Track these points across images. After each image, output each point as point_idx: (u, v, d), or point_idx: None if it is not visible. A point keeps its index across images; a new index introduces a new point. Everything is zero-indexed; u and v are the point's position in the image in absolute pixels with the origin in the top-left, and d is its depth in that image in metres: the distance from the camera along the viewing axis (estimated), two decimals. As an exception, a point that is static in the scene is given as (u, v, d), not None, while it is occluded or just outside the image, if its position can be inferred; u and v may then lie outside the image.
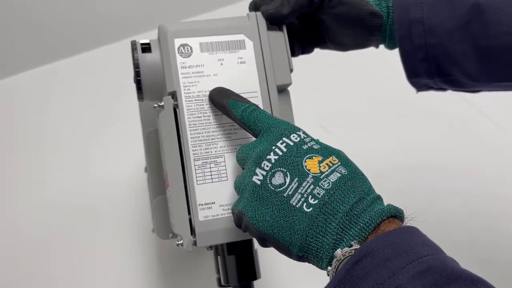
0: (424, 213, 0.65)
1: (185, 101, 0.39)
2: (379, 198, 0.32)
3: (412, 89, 0.46)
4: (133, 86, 0.43)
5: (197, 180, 0.38)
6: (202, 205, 0.38)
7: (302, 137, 0.33)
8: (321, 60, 0.57)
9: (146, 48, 0.40)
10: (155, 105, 0.46)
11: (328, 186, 0.30)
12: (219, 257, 0.41)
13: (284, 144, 0.33)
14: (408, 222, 0.32)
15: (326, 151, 0.32)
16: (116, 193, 0.80)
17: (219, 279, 0.43)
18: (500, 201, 0.65)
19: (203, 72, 0.39)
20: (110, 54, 0.96)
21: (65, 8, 0.95)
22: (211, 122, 0.39)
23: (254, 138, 0.36)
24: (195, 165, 0.38)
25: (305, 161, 0.32)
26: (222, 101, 0.37)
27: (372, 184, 0.33)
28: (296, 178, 0.31)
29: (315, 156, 0.32)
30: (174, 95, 0.39)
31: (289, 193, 0.31)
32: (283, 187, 0.31)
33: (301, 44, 0.46)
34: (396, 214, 0.31)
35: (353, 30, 0.42)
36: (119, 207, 0.78)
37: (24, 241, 0.75)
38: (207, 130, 0.39)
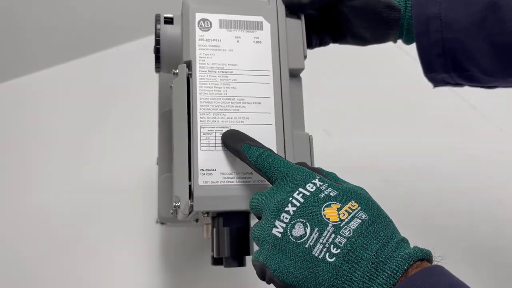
0: (430, 216, 0.65)
1: (199, 70, 0.40)
2: (404, 240, 0.31)
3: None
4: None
5: (201, 146, 0.39)
6: (203, 170, 0.38)
7: (318, 185, 0.33)
8: (324, 64, 0.58)
9: (168, 21, 0.42)
10: (171, 85, 0.48)
11: (349, 234, 0.30)
12: (214, 229, 0.41)
13: (301, 194, 0.32)
14: (437, 263, 0.31)
15: (344, 196, 0.32)
16: (123, 188, 0.81)
17: (212, 256, 0.43)
18: (506, 204, 0.65)
19: (220, 46, 0.41)
20: (107, 59, 0.99)
21: (64, 12, 0.98)
22: (221, 94, 0.40)
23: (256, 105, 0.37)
24: (201, 132, 0.39)
25: (323, 210, 0.31)
26: (236, 146, 0.37)
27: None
28: (316, 228, 0.31)
29: (333, 203, 0.32)
30: (189, 64, 0.40)
31: (311, 244, 0.30)
32: (304, 238, 0.31)
33: (319, 35, 0.47)
34: (423, 257, 0.30)
35: (371, 23, 0.43)
36: (126, 201, 0.79)
37: (27, 240, 0.76)
38: (217, 100, 0.40)
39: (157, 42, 0.41)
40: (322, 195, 0.32)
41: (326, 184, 0.33)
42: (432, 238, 0.64)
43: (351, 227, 0.30)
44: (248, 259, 0.43)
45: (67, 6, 1.01)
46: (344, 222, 0.30)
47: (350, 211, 0.31)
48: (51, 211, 0.78)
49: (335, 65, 0.69)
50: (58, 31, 1.00)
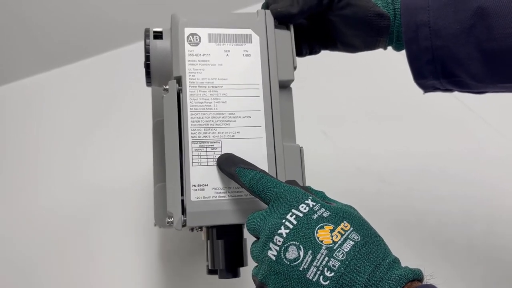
0: (425, 216, 0.66)
1: (189, 86, 0.40)
2: (395, 261, 0.32)
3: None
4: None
5: (192, 162, 0.39)
6: (195, 186, 0.39)
7: (311, 206, 0.33)
8: (322, 66, 0.58)
9: (158, 35, 0.42)
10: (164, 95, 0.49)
11: (342, 257, 0.30)
12: (208, 241, 0.42)
13: (294, 216, 0.32)
14: (427, 281, 0.31)
15: (336, 217, 0.32)
16: (121, 192, 0.83)
17: (207, 266, 0.44)
18: (500, 205, 0.66)
19: (209, 61, 0.41)
20: (104, 63, 1.00)
21: (64, 15, 0.98)
22: (211, 109, 0.40)
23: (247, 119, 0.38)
24: (192, 147, 0.39)
25: (316, 232, 0.31)
26: (230, 170, 0.37)
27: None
28: (310, 251, 0.31)
29: (326, 225, 0.32)
30: (179, 80, 0.41)
31: (305, 267, 0.31)
32: (298, 261, 0.31)
33: (309, 44, 0.47)
34: (414, 278, 0.30)
35: (361, 31, 0.43)
36: (125, 203, 0.80)
37: (27, 242, 0.77)
38: (207, 115, 0.40)
39: (147, 57, 0.42)
40: (315, 216, 0.32)
41: (319, 205, 0.33)
42: (428, 238, 0.65)
43: (344, 249, 0.30)
44: (243, 270, 0.44)
45: (66, 11, 1.00)
46: (337, 245, 0.31)
47: (343, 232, 0.31)
48: (51, 213, 0.79)
49: (332, 68, 0.69)
50: (58, 34, 1.00)
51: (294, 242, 0.31)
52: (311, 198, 0.33)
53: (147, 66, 0.42)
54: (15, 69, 1.02)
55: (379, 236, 0.33)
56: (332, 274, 0.30)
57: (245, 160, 0.38)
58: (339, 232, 0.31)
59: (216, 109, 0.40)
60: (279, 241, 0.32)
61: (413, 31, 0.42)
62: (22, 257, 0.76)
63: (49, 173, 0.85)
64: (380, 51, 0.49)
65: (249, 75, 0.42)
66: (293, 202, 0.33)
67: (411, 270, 0.31)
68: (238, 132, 0.40)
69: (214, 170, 0.39)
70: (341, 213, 0.32)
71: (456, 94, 0.47)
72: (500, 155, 0.70)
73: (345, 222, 0.32)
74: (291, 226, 0.32)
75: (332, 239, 0.31)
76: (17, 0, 0.96)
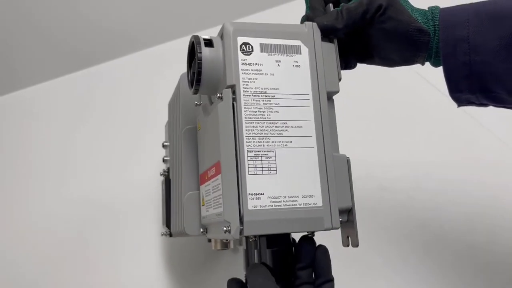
0: (426, 224, 0.68)
1: (243, 95, 0.40)
2: None
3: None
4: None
5: (248, 170, 0.39)
6: (252, 194, 0.39)
7: None
8: None
9: (207, 43, 0.42)
10: (198, 102, 0.48)
11: None
12: (255, 250, 0.42)
13: None
14: None
15: None
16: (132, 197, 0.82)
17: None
18: (501, 212, 0.68)
19: (261, 70, 0.42)
20: (103, 72, 1.00)
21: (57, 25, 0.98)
22: (265, 118, 0.41)
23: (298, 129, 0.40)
24: (248, 156, 0.39)
25: None
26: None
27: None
28: None
29: None
30: (233, 88, 0.41)
31: None
32: None
33: (346, 58, 0.48)
34: None
35: (401, 45, 0.45)
36: (130, 213, 0.79)
37: (32, 254, 0.75)
38: (261, 124, 0.40)
39: (199, 65, 0.41)
40: None
41: None
42: (431, 245, 0.68)
43: None
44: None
45: (66, 20, 1.00)
46: None
47: None
48: (55, 222, 0.78)
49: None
50: (52, 46, 1.00)
51: None
52: None
53: (199, 74, 0.42)
54: (9, 81, 1.01)
55: None
56: None
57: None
58: None
59: (269, 118, 0.41)
60: None
61: (451, 46, 0.43)
62: (26, 270, 0.74)
63: (52, 182, 0.84)
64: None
65: (299, 85, 0.42)
66: None
67: None
68: (291, 142, 0.41)
69: (269, 179, 0.40)
70: None
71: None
72: (502, 161, 0.73)
73: None
74: None
75: None
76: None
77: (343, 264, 0.55)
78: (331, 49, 0.45)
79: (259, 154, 0.40)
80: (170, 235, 0.64)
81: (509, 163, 0.74)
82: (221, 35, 0.42)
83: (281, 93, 0.42)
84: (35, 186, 0.86)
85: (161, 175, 0.70)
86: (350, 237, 0.43)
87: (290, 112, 0.41)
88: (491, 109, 0.48)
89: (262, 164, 0.40)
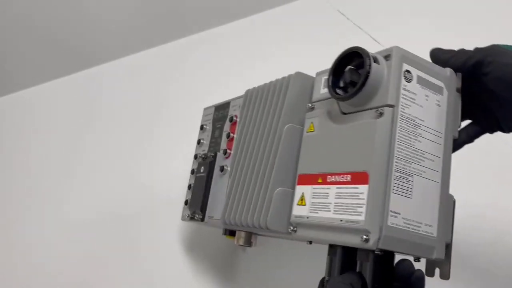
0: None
1: (400, 117, 0.43)
2: None
3: None
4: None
5: (393, 189, 0.41)
6: (392, 212, 0.41)
7: None
8: None
9: (374, 59, 0.44)
10: (311, 105, 0.50)
11: None
12: (366, 263, 0.44)
13: None
14: None
15: None
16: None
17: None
18: (502, 215, 0.66)
19: (415, 100, 0.44)
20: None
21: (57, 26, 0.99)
22: (410, 144, 0.43)
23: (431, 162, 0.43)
24: (394, 175, 0.42)
25: None
26: None
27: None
28: None
29: None
30: (392, 108, 0.43)
31: None
32: None
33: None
34: None
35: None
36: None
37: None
38: (407, 149, 0.43)
39: (366, 77, 0.43)
40: None
41: None
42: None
43: None
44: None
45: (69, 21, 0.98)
46: None
47: None
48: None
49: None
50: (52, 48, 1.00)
51: None
52: None
53: (362, 85, 0.43)
54: (11, 82, 1.02)
55: None
56: None
57: None
58: None
59: (414, 145, 0.44)
60: None
61: None
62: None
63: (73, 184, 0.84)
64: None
65: (437, 123, 0.46)
66: None
67: None
68: (425, 172, 0.44)
69: (405, 201, 0.42)
70: None
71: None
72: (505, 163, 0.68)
73: None
74: None
75: None
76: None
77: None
78: (459, 99, 0.49)
79: (403, 176, 0.42)
80: (202, 219, 0.63)
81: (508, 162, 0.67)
82: (386, 56, 0.45)
83: (424, 125, 0.45)
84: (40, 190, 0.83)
85: (199, 157, 0.69)
86: (440, 269, 0.47)
87: (428, 145, 0.45)
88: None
89: (403, 186, 0.42)
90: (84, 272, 0.76)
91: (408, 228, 0.42)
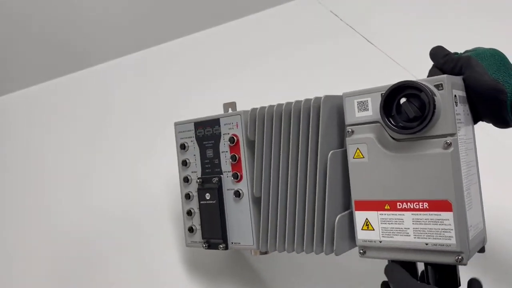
0: None
1: (459, 143, 0.47)
2: None
3: None
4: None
5: (467, 206, 0.47)
6: (470, 226, 0.48)
7: None
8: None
9: (432, 92, 0.46)
10: (351, 130, 0.51)
11: None
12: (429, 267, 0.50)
13: None
14: None
15: None
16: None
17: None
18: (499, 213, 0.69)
19: (461, 119, 0.49)
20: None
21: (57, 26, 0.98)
22: (465, 161, 0.49)
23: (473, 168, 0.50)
24: (465, 193, 0.47)
25: None
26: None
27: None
28: None
29: None
30: (452, 136, 0.47)
31: None
32: None
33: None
34: None
35: (482, 104, 0.51)
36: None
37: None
38: (466, 167, 0.49)
39: (434, 107, 0.45)
40: None
41: None
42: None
43: None
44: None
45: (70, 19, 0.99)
46: None
47: None
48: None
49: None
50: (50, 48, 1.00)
51: None
52: None
53: (431, 118, 0.46)
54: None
55: None
56: None
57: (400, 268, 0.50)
58: None
59: (467, 161, 0.49)
60: None
61: None
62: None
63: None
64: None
65: (471, 130, 0.52)
66: None
67: None
68: (473, 179, 0.51)
69: (471, 212, 0.49)
70: None
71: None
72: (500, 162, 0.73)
73: None
74: None
75: None
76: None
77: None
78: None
79: (468, 193, 0.48)
80: (226, 247, 0.62)
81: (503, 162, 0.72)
82: (438, 85, 0.47)
83: (468, 138, 0.50)
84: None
85: (195, 181, 0.65)
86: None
87: (471, 154, 0.51)
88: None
89: (469, 201, 0.48)
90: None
91: (476, 233, 0.49)
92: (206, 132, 0.64)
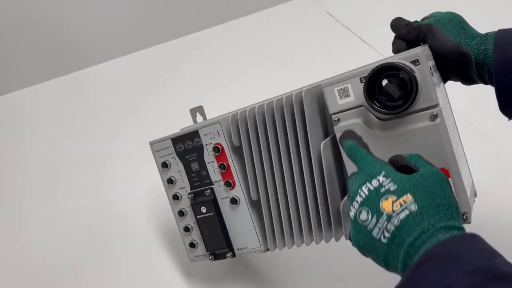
0: None
1: (443, 111, 0.50)
2: (446, 228, 0.37)
3: None
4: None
5: (460, 167, 0.50)
6: (466, 186, 0.51)
7: (381, 181, 0.41)
8: None
9: (414, 61, 0.48)
10: (337, 118, 0.53)
11: (397, 223, 0.38)
12: None
13: (367, 188, 0.41)
14: None
15: (401, 190, 0.40)
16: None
17: None
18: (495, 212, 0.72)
19: (438, 88, 0.51)
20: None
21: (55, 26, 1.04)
22: (450, 125, 0.52)
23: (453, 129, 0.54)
24: (456, 157, 0.50)
25: (381, 202, 0.40)
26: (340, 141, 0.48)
27: None
28: (375, 216, 0.40)
29: (390, 196, 0.40)
30: (435, 107, 0.49)
31: (371, 227, 0.40)
32: (367, 222, 0.40)
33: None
34: None
35: (448, 66, 0.53)
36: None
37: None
38: (451, 132, 0.51)
39: (417, 84, 0.47)
40: (382, 190, 0.40)
41: (389, 179, 0.41)
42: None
43: (400, 217, 0.38)
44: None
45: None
46: (395, 213, 0.39)
47: (403, 203, 0.39)
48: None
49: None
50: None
51: (365, 208, 0.41)
52: (383, 173, 0.41)
53: (416, 92, 0.47)
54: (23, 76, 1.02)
55: (445, 205, 0.39)
56: (389, 235, 0.39)
57: (352, 132, 0.48)
58: (400, 203, 0.39)
59: (450, 125, 0.52)
60: (356, 205, 0.42)
61: (503, 65, 0.48)
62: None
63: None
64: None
65: (446, 95, 0.55)
66: (368, 177, 0.42)
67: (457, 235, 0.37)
68: (456, 139, 0.54)
69: (463, 171, 0.52)
70: (407, 186, 0.40)
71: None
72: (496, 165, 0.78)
73: (408, 194, 0.39)
74: (364, 196, 0.41)
75: (392, 209, 0.39)
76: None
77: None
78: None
79: (458, 155, 0.51)
80: (234, 255, 0.63)
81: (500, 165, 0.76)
82: (414, 61, 0.49)
83: (444, 103, 0.53)
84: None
85: (187, 198, 0.64)
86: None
87: (451, 117, 0.54)
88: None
89: (458, 162, 0.51)
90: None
91: (469, 189, 0.53)
92: (186, 146, 0.63)
